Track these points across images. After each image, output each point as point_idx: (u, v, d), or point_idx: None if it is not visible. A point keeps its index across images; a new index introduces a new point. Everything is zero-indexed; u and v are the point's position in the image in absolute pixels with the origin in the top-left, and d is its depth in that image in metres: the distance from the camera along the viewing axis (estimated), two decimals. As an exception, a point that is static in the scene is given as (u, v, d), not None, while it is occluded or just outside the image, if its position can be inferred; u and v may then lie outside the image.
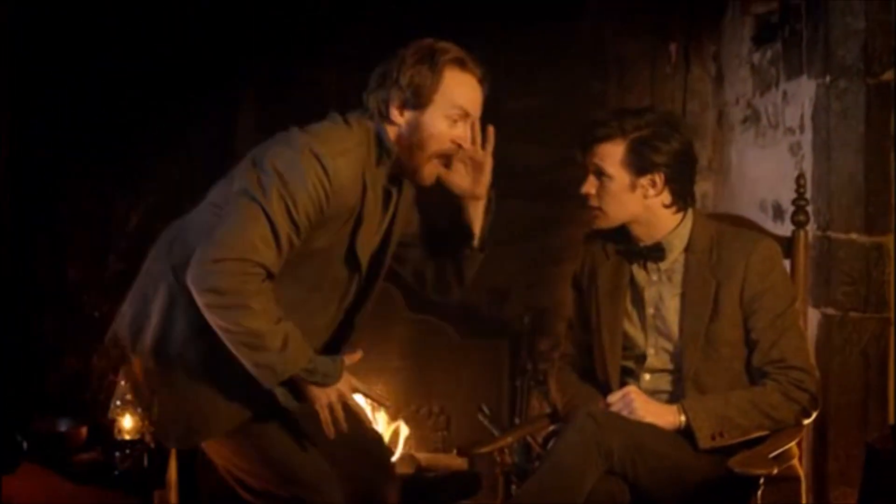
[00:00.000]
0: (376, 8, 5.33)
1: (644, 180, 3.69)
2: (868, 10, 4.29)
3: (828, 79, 4.38)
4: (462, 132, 3.56)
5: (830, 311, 4.37)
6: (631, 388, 3.69)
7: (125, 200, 5.47)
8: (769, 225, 4.58)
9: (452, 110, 3.54)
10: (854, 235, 4.35)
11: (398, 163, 3.59)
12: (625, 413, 3.62)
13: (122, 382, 3.86)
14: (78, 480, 3.79)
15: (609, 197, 3.72)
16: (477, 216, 3.74)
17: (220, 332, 3.45)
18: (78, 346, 5.28)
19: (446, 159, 3.63)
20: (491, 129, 3.64)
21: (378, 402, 3.68)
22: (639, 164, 3.68)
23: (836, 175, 4.36)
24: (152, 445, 3.85)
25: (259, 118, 5.48)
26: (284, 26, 5.32)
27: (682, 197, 3.75)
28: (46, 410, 4.14)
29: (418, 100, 3.52)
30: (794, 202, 4.03)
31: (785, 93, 4.79)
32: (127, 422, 3.85)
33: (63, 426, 4.07)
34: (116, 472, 3.79)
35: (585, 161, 3.73)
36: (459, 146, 3.58)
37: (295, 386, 3.50)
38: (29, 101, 5.07)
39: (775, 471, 3.44)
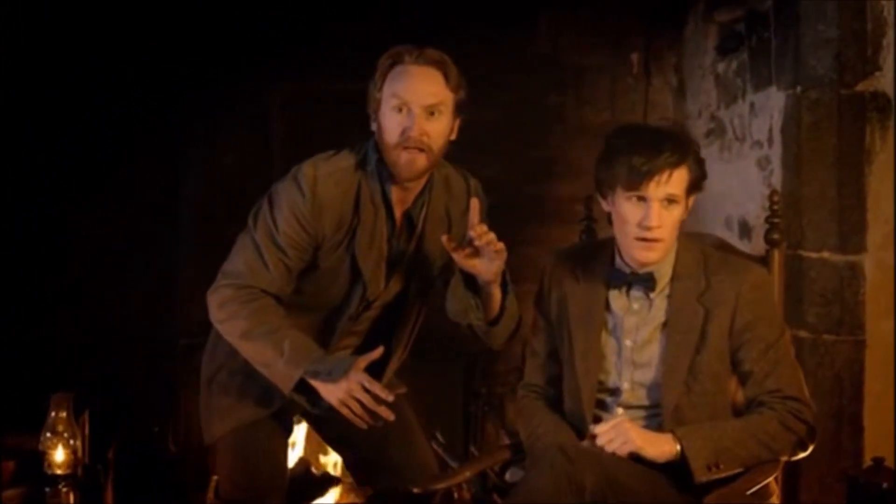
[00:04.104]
0: (321, 25, 5.26)
1: (689, 200, 3.54)
2: (841, 17, 4.21)
3: (798, 89, 4.31)
4: (408, 121, 3.68)
5: (802, 333, 4.28)
6: (623, 419, 3.50)
7: (83, 209, 5.30)
8: (735, 243, 4.49)
9: (392, 100, 3.70)
10: (826, 254, 4.27)
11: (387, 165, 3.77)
12: (616, 443, 3.43)
13: (53, 413, 3.73)
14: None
15: (672, 226, 3.51)
16: (489, 296, 3.75)
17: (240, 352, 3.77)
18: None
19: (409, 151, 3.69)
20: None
21: (380, 397, 3.66)
22: (693, 185, 3.51)
23: (808, 190, 4.29)
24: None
25: (211, 128, 5.36)
26: (232, 41, 5.22)
27: None
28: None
29: (373, 106, 3.76)
30: (767, 220, 3.87)
31: (752, 104, 4.73)
32: (58, 455, 3.80)
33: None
34: (46, 510, 3.66)
35: (646, 193, 3.46)
36: (402, 132, 3.68)
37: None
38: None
39: (755, 509, 3.30)
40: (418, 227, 3.84)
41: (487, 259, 3.61)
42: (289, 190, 3.72)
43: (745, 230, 4.74)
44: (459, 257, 3.62)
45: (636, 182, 3.42)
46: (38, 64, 5.11)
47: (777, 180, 4.44)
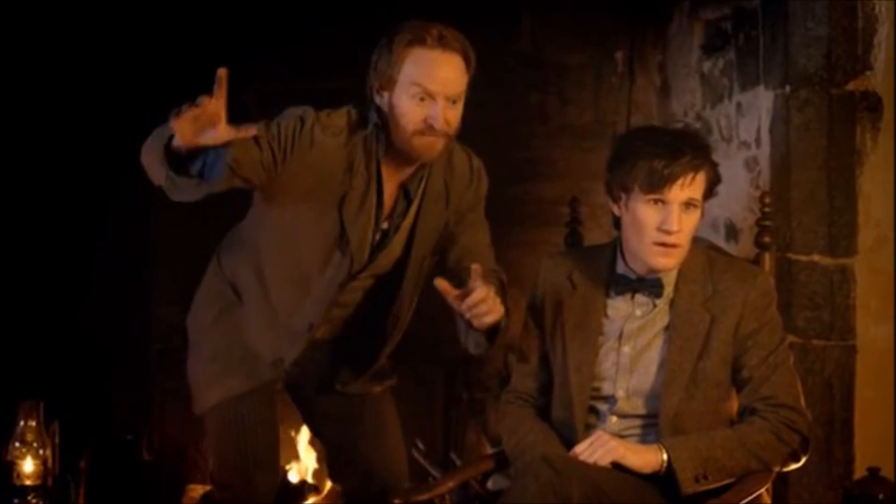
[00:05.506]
0: (297, 25, 5.25)
1: (704, 205, 3.47)
2: (831, 15, 4.16)
3: (787, 89, 4.25)
4: (431, 111, 3.58)
5: (791, 338, 4.15)
6: (600, 432, 3.44)
7: (65, 212, 5.29)
8: (721, 245, 4.38)
9: (413, 88, 3.58)
10: (816, 257, 4.21)
11: (393, 142, 3.67)
12: (598, 454, 3.36)
13: (22, 422, 3.66)
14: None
15: (690, 231, 3.45)
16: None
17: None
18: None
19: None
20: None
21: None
22: (710, 189, 3.46)
23: (797, 192, 4.23)
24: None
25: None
26: (212, 43, 5.16)
27: None
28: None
29: (384, 82, 3.62)
30: (757, 222, 3.83)
31: (739, 104, 4.67)
32: (27, 465, 3.73)
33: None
34: (15, 523, 3.66)
35: (667, 196, 3.38)
36: (431, 126, 3.59)
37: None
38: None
39: (748, 523, 3.25)
40: (416, 201, 3.76)
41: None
42: (292, 118, 3.63)
43: (731, 233, 4.68)
44: (452, 300, 3.42)
45: (658, 185, 3.35)
46: (38, 64, 5.12)
47: (765, 182, 4.39)
